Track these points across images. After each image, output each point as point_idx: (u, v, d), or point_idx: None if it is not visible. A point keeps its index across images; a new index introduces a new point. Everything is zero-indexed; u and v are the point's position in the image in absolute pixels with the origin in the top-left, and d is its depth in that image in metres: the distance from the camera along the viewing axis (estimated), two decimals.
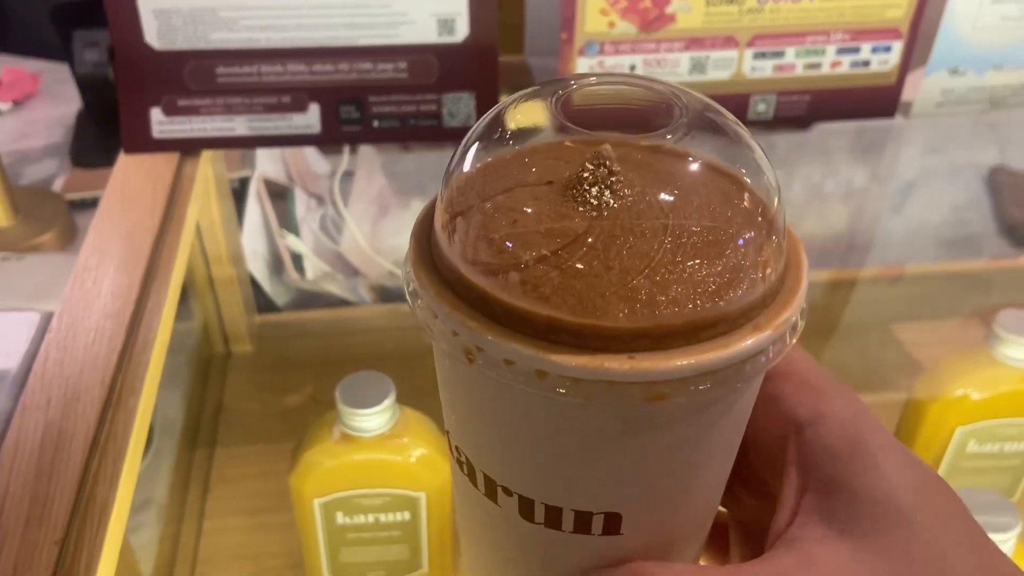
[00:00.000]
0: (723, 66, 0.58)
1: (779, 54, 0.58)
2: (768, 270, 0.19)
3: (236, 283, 0.72)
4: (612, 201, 0.19)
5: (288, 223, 0.85)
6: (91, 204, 0.83)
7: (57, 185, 0.86)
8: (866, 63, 0.59)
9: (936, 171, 1.08)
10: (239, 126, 0.57)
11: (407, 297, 0.20)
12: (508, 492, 0.21)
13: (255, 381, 0.73)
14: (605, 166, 0.19)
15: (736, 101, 0.60)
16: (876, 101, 0.61)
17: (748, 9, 0.56)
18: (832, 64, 0.59)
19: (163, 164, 0.56)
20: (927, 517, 0.21)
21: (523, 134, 0.21)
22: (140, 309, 0.44)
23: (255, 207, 0.84)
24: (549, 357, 0.18)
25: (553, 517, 0.21)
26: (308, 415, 0.56)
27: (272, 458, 0.66)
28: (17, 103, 1.00)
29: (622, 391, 0.18)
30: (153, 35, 0.55)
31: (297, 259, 0.83)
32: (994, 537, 0.41)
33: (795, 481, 0.22)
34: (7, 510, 0.34)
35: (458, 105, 0.59)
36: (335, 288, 0.83)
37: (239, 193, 0.84)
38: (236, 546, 0.60)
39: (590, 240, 0.18)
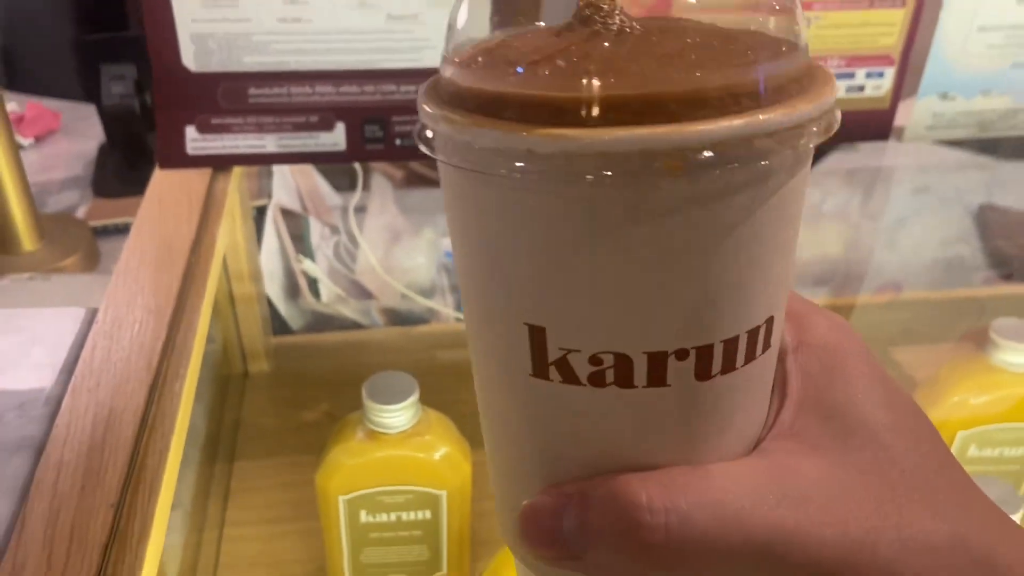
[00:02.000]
0: None
1: None
2: (786, 61, 0.19)
3: (255, 302, 0.74)
4: (621, 18, 0.19)
5: (303, 249, 0.87)
6: (113, 231, 0.86)
7: (80, 213, 0.89)
8: (861, 88, 0.63)
9: (929, 208, 1.11)
10: (269, 144, 0.60)
11: (424, 146, 0.19)
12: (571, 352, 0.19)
13: (272, 398, 0.75)
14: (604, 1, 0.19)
15: None
16: (871, 124, 0.64)
17: None
18: None
19: (196, 179, 0.59)
20: (899, 438, 0.21)
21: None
22: (180, 305, 0.46)
23: (272, 233, 0.86)
24: (589, 135, 0.17)
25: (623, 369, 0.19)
26: (323, 431, 0.58)
27: (289, 471, 0.67)
28: (39, 139, 1.03)
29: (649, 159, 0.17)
30: (190, 58, 0.58)
31: (312, 283, 0.85)
32: None
33: (775, 403, 0.22)
34: (62, 479, 0.36)
35: None
36: (348, 311, 0.85)
37: (257, 221, 0.86)
38: (256, 553, 0.61)
39: (604, 41, 0.18)
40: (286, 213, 0.90)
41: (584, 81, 0.17)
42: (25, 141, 1.01)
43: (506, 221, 0.19)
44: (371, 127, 0.61)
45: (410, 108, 0.61)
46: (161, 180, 0.58)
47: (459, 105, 0.19)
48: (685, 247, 0.18)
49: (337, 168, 0.99)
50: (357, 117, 0.61)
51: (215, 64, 0.58)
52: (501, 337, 0.20)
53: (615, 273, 0.18)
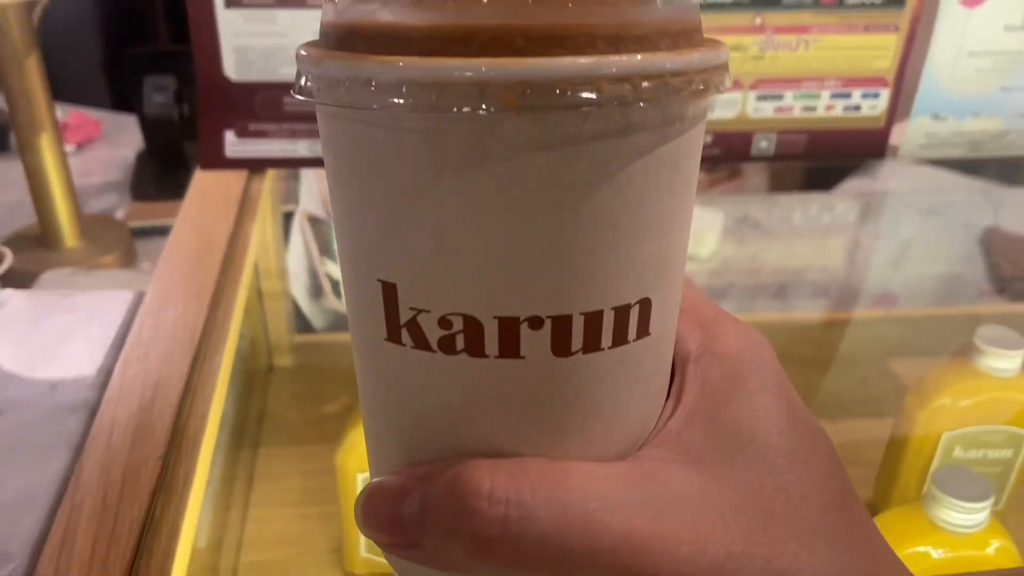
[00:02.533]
0: (729, 106, 0.66)
1: (779, 97, 0.66)
2: (663, 10, 0.18)
3: (282, 299, 0.78)
4: None
5: (327, 253, 0.92)
6: (149, 232, 0.91)
7: (118, 215, 0.94)
8: (857, 107, 0.67)
9: (935, 230, 1.15)
10: (301, 148, 0.65)
11: (294, 90, 0.19)
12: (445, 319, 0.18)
13: (295, 392, 0.79)
14: None
15: (741, 138, 0.67)
16: (867, 142, 0.68)
17: (751, 56, 0.63)
18: (826, 107, 0.67)
19: (234, 180, 0.63)
20: (792, 465, 0.19)
21: None
22: (219, 289, 0.50)
23: (298, 236, 0.91)
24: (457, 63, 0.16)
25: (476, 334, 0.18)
26: (343, 423, 0.62)
27: (311, 459, 0.71)
28: (81, 145, 1.09)
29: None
30: (232, 68, 0.63)
31: (335, 285, 0.90)
32: (969, 506, 0.46)
33: (667, 410, 0.21)
34: (115, 435, 0.40)
35: None
36: None
37: (284, 226, 0.91)
38: (278, 532, 0.64)
39: None
40: (312, 218, 0.95)
41: (436, 11, 0.17)
42: (68, 147, 1.07)
43: (356, 161, 0.18)
44: None
45: None
46: (201, 180, 0.63)
47: (322, 43, 0.19)
48: (532, 197, 0.17)
49: None
50: None
51: (254, 74, 0.63)
52: (361, 296, 0.20)
53: (460, 221, 0.17)
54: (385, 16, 0.17)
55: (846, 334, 0.90)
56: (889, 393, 0.81)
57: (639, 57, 0.17)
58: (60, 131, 0.80)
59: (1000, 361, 0.59)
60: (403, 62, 0.16)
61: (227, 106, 0.63)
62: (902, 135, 0.69)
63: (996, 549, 0.48)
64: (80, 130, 1.09)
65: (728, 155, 0.68)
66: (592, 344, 0.18)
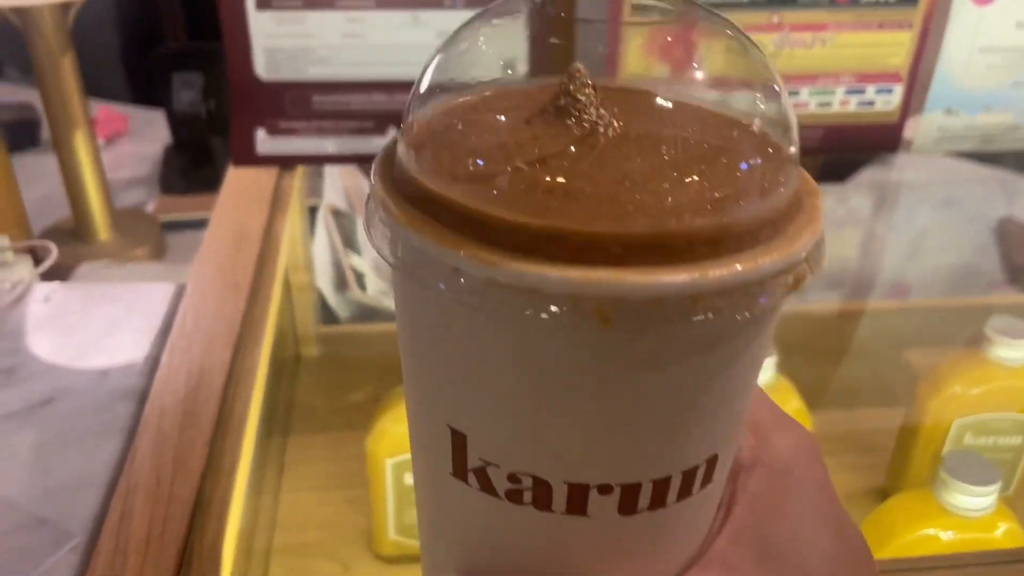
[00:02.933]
0: None
1: (795, 93, 0.67)
2: (784, 181, 0.17)
3: (308, 291, 0.81)
4: (598, 113, 0.17)
5: (352, 246, 0.94)
6: (179, 226, 0.93)
7: (148, 209, 0.96)
8: (871, 103, 0.68)
9: (949, 220, 1.16)
10: (329, 146, 0.67)
11: (378, 247, 0.18)
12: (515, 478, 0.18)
13: (321, 381, 0.81)
14: (583, 83, 0.18)
15: None
16: (881, 136, 0.70)
17: (768, 54, 0.65)
18: (841, 103, 0.68)
19: (265, 176, 0.65)
20: None
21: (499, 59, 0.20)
22: (256, 282, 0.53)
23: (323, 231, 0.93)
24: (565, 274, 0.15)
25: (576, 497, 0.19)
26: (369, 411, 0.64)
27: (339, 445, 0.73)
28: (109, 140, 1.12)
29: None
30: (262, 68, 0.65)
31: (359, 277, 0.92)
32: (977, 490, 0.47)
33: (717, 522, 0.21)
34: (165, 420, 0.42)
35: None
36: (392, 304, 0.92)
37: (309, 219, 0.93)
38: (310, 515, 0.67)
39: (571, 145, 0.17)
40: (336, 212, 0.97)
41: (528, 204, 0.16)
42: (98, 142, 1.09)
43: (434, 324, 0.18)
44: None
45: None
46: (234, 177, 0.65)
47: (403, 191, 0.18)
48: (612, 388, 0.17)
49: None
50: None
51: (284, 74, 0.65)
52: (428, 432, 0.20)
53: (536, 402, 0.17)
54: (475, 202, 0.16)
55: (860, 324, 0.91)
56: (902, 382, 0.83)
57: (739, 268, 0.16)
58: (93, 128, 0.82)
59: (1010, 351, 0.60)
60: (494, 262, 0.16)
61: (258, 105, 0.65)
62: (916, 129, 0.70)
63: (1004, 532, 0.50)
64: (108, 125, 1.11)
65: None
66: (658, 502, 0.19)
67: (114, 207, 0.88)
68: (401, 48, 0.65)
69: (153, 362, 0.47)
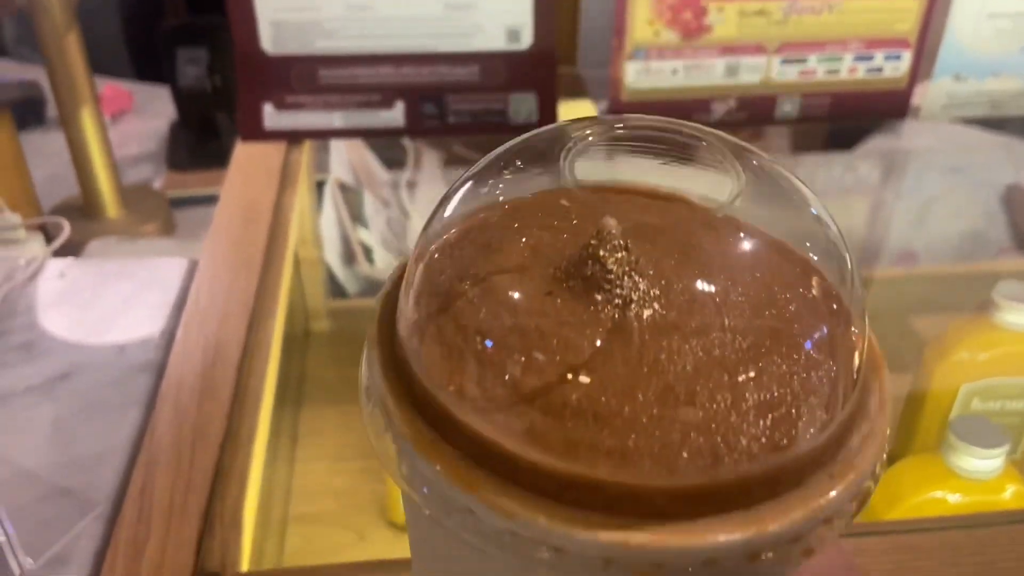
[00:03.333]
0: (754, 71, 0.67)
1: (803, 60, 0.67)
2: (849, 381, 0.15)
3: (317, 266, 0.81)
4: (632, 284, 0.15)
5: (359, 220, 0.94)
6: (187, 201, 0.94)
7: (155, 186, 0.96)
8: (879, 69, 0.68)
9: (956, 188, 1.16)
10: (336, 120, 0.67)
11: (378, 447, 0.16)
12: None
13: (331, 354, 0.82)
14: (613, 246, 0.15)
15: (765, 102, 0.68)
16: (889, 103, 0.70)
17: (776, 21, 0.65)
18: (849, 70, 0.68)
19: (273, 151, 0.66)
20: None
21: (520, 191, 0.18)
22: (268, 257, 0.53)
23: (330, 205, 0.94)
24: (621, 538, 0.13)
25: None
26: None
27: (351, 416, 0.74)
28: (115, 117, 1.12)
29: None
30: (268, 42, 0.65)
31: (367, 251, 0.92)
32: (984, 452, 0.48)
33: None
34: (183, 393, 0.43)
35: (522, 104, 0.68)
36: None
37: (316, 194, 0.94)
38: (323, 484, 0.68)
39: (598, 335, 0.14)
40: (343, 187, 0.97)
41: (554, 437, 0.14)
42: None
43: (443, 540, 0.16)
44: (427, 105, 0.67)
45: (463, 88, 0.67)
46: (243, 152, 0.66)
47: (405, 382, 0.16)
48: None
49: (388, 148, 1.06)
50: (415, 96, 0.67)
51: (290, 48, 0.65)
52: None
53: None
54: (490, 431, 0.14)
55: (868, 292, 0.91)
56: (910, 350, 0.83)
57: (800, 515, 0.14)
58: (100, 105, 0.82)
59: (1018, 316, 0.61)
60: (514, 512, 0.14)
61: (265, 80, 0.65)
62: (924, 96, 0.70)
63: (1012, 494, 0.50)
64: (113, 102, 1.11)
65: (752, 119, 0.70)
66: None
67: (122, 184, 0.88)
68: (408, 21, 0.65)
69: (169, 336, 0.47)
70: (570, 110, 0.72)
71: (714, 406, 0.14)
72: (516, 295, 0.15)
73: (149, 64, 1.17)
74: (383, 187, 1.02)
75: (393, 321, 0.17)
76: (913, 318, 0.87)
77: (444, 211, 0.18)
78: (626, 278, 0.15)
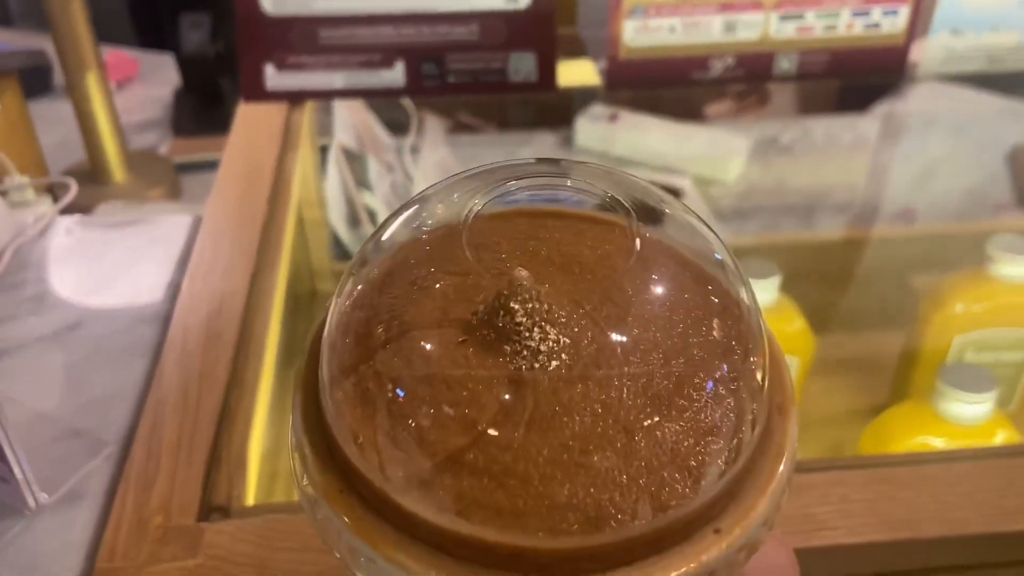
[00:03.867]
0: (752, 27, 0.67)
1: (800, 16, 0.67)
2: (744, 435, 0.16)
3: (322, 227, 0.82)
4: (541, 336, 0.15)
5: (363, 184, 0.95)
6: (192, 167, 0.95)
7: (161, 151, 0.97)
8: (877, 25, 0.68)
9: (961, 148, 1.15)
10: (337, 80, 0.68)
11: (299, 492, 0.17)
12: None
13: None
14: (524, 298, 0.15)
15: (763, 59, 0.69)
16: (887, 59, 0.70)
17: None
18: (847, 25, 0.68)
19: (275, 112, 0.66)
20: None
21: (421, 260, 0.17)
22: (271, 213, 0.54)
23: (334, 169, 0.94)
24: None
25: None
26: None
27: None
28: (119, 85, 1.12)
29: None
30: (269, 3, 0.65)
31: (372, 215, 0.93)
32: (972, 397, 0.49)
33: None
34: (188, 340, 0.44)
35: (521, 63, 0.68)
36: None
37: (320, 158, 0.95)
38: None
39: (505, 392, 0.15)
40: (347, 152, 0.98)
41: (450, 498, 0.14)
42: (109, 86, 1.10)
43: None
44: (428, 65, 0.68)
45: (463, 47, 0.68)
46: (245, 113, 0.66)
47: (322, 432, 0.16)
48: None
49: (391, 113, 1.06)
50: (415, 56, 0.68)
51: (290, 8, 0.66)
52: None
53: None
54: (391, 489, 0.15)
55: (867, 251, 0.92)
56: (907, 307, 0.84)
57: (684, 570, 0.15)
58: (106, 70, 0.83)
59: (1013, 267, 0.61)
60: (409, 567, 0.15)
61: (266, 40, 0.66)
62: (922, 52, 0.70)
63: (1001, 440, 0.51)
64: (118, 69, 1.12)
65: (750, 76, 0.70)
66: None
67: (128, 150, 0.89)
68: None
69: (175, 289, 0.48)
70: (569, 69, 0.73)
71: (604, 467, 0.14)
72: (427, 346, 0.15)
73: (153, 32, 1.18)
74: (387, 152, 1.03)
75: (317, 364, 0.17)
76: (912, 276, 0.87)
77: (374, 246, 0.18)
78: (536, 329, 0.15)
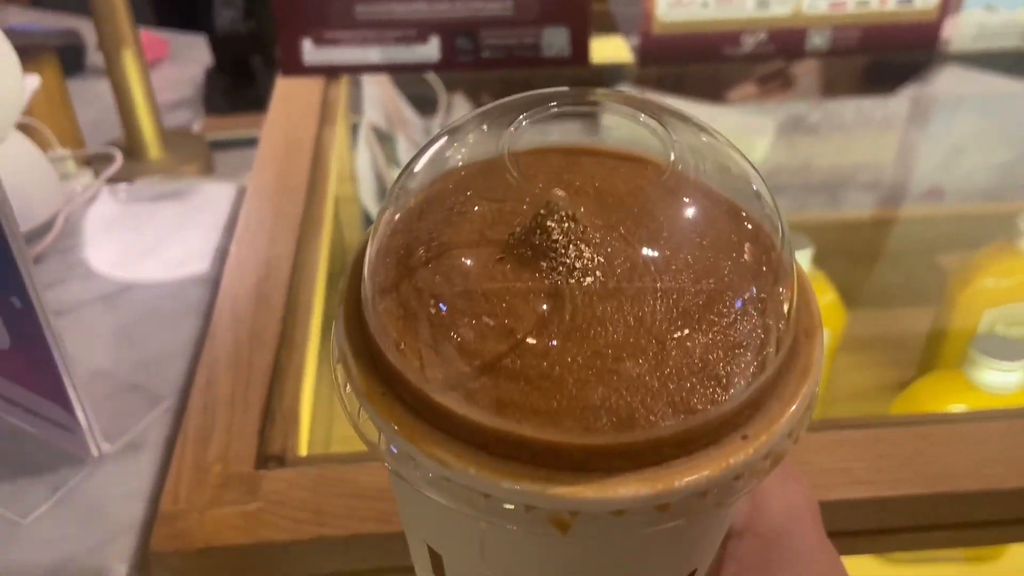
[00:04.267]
0: (784, 3, 0.68)
1: None
2: (770, 350, 0.16)
3: (354, 202, 0.83)
4: (576, 253, 0.16)
5: (393, 161, 0.96)
6: (225, 144, 0.96)
7: (194, 129, 0.99)
8: (910, 0, 0.68)
9: (990, 129, 1.15)
10: (373, 55, 0.69)
11: (343, 399, 0.17)
12: None
13: None
14: (560, 217, 0.16)
15: (795, 35, 0.69)
16: (919, 35, 0.70)
17: None
18: (880, 1, 0.68)
19: (313, 86, 0.68)
20: None
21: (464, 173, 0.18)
22: (312, 182, 0.55)
23: (364, 147, 0.96)
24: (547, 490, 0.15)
25: None
26: None
27: None
28: (151, 65, 1.14)
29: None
30: None
31: None
32: (1004, 365, 0.49)
33: None
34: (238, 302, 0.45)
35: (555, 38, 0.69)
36: None
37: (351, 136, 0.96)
38: None
39: (543, 302, 0.15)
40: (377, 131, 0.99)
41: (488, 397, 0.15)
42: None
43: (412, 494, 0.17)
44: (462, 40, 0.69)
45: (496, 23, 0.68)
46: (284, 87, 0.68)
47: (367, 341, 0.17)
48: (581, 566, 0.17)
49: (420, 91, 1.07)
50: (449, 31, 0.69)
51: None
52: (411, 536, 0.21)
53: (511, 566, 0.18)
54: (431, 390, 0.16)
55: (895, 230, 0.92)
56: (936, 285, 0.84)
57: (708, 474, 0.15)
58: (142, 48, 0.84)
59: None
60: (447, 462, 0.15)
61: (304, 15, 0.67)
62: (955, 28, 0.70)
63: None
64: (150, 49, 1.13)
65: (782, 51, 0.70)
66: None
67: (163, 127, 0.91)
68: None
69: (222, 254, 0.50)
70: (602, 45, 0.74)
71: (634, 373, 0.15)
72: (468, 262, 0.16)
73: (184, 12, 1.19)
74: (415, 131, 1.04)
75: (360, 283, 0.18)
76: (939, 255, 0.88)
77: (411, 176, 0.18)
78: (571, 247, 0.16)
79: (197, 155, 0.92)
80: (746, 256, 0.16)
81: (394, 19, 0.68)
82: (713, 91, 1.05)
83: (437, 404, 0.15)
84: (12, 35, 0.51)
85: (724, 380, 0.15)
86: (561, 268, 0.15)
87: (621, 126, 0.18)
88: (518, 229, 0.16)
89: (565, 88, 0.19)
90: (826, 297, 0.61)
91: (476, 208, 0.17)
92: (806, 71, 1.09)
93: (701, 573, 0.20)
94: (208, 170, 0.92)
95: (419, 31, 0.68)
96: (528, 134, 0.18)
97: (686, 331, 0.15)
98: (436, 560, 0.19)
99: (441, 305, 0.16)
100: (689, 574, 0.19)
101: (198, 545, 0.33)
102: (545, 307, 0.15)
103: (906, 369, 0.71)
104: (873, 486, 0.35)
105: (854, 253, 0.85)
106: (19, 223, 0.31)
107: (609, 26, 0.78)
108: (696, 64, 0.76)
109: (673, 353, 0.15)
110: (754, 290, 0.16)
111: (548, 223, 0.16)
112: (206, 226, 0.52)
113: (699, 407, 0.15)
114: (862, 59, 0.93)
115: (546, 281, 0.15)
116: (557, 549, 0.17)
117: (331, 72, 0.69)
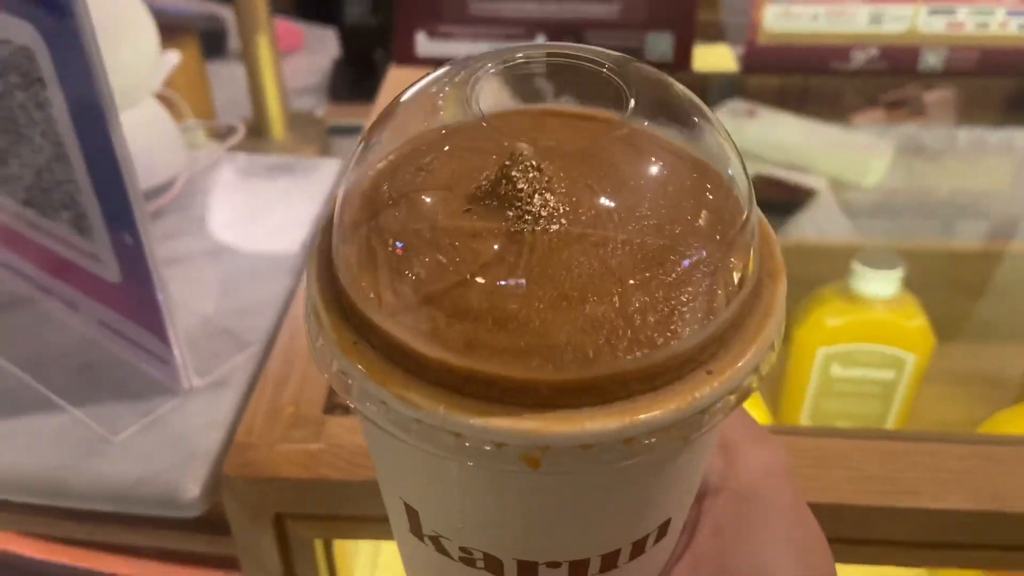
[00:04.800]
0: (899, 20, 0.66)
1: (951, 12, 0.66)
2: (732, 289, 0.17)
3: None
4: (541, 201, 0.16)
5: None
6: (344, 130, 1.01)
7: (317, 114, 1.05)
8: None
9: None
10: (481, 50, 0.72)
11: (312, 350, 0.18)
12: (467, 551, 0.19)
13: None
14: (525, 167, 0.16)
15: (908, 53, 0.68)
16: None
17: None
18: (1000, 24, 0.66)
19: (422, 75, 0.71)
20: None
21: (433, 125, 0.19)
22: None
23: None
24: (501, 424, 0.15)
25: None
26: None
27: None
28: (285, 53, 1.21)
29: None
30: None
31: None
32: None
33: (679, 544, 0.21)
34: None
35: (659, 43, 0.70)
36: None
37: None
38: None
39: (509, 251, 0.16)
40: None
41: (456, 338, 0.15)
42: None
43: (388, 443, 0.18)
44: (567, 39, 0.71)
45: (599, 24, 0.70)
46: (396, 77, 0.71)
47: (337, 296, 0.17)
48: (549, 510, 0.18)
49: (526, 89, 1.10)
50: (555, 30, 0.71)
51: None
52: (387, 494, 0.21)
53: (477, 510, 0.18)
54: (401, 333, 0.16)
55: (1003, 264, 0.88)
56: None
57: (674, 407, 0.16)
58: (275, 35, 0.90)
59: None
60: (418, 404, 0.16)
61: (420, 8, 0.71)
62: None
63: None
64: (285, 39, 1.20)
65: (893, 69, 0.69)
66: (608, 566, 0.19)
67: (288, 110, 0.97)
68: None
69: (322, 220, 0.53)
70: (706, 53, 0.74)
71: (599, 312, 0.15)
72: (435, 209, 0.17)
73: (320, 5, 1.26)
74: None
75: (329, 246, 0.18)
76: None
77: (380, 134, 0.19)
78: (536, 196, 0.16)
79: (316, 138, 0.97)
80: (707, 204, 0.17)
81: (504, 16, 0.71)
82: (834, 109, 1.03)
83: (407, 348, 0.16)
84: (159, 15, 0.56)
85: (687, 316, 0.16)
86: (528, 216, 0.16)
87: (584, 81, 0.19)
88: (484, 182, 0.16)
89: (536, 42, 0.19)
90: (914, 321, 0.60)
91: (442, 164, 0.17)
92: (937, 99, 1.05)
93: (676, 525, 0.20)
94: (325, 151, 0.97)
95: (527, 29, 0.71)
96: (493, 86, 0.19)
97: (648, 273, 0.16)
98: (413, 516, 0.20)
99: (409, 250, 0.16)
100: (663, 523, 0.19)
101: (264, 474, 0.36)
102: (511, 251, 0.16)
103: (999, 406, 0.69)
104: (920, 497, 0.35)
105: (959, 283, 0.82)
106: (141, 176, 0.35)
107: (716, 35, 0.78)
108: (803, 75, 0.75)
109: (636, 293, 0.16)
110: (715, 234, 0.17)
111: (513, 173, 0.16)
112: (310, 197, 0.56)
113: (661, 342, 0.16)
114: (996, 91, 0.89)
115: (512, 228, 0.16)
116: (530, 491, 0.17)
117: (441, 64, 0.72)
